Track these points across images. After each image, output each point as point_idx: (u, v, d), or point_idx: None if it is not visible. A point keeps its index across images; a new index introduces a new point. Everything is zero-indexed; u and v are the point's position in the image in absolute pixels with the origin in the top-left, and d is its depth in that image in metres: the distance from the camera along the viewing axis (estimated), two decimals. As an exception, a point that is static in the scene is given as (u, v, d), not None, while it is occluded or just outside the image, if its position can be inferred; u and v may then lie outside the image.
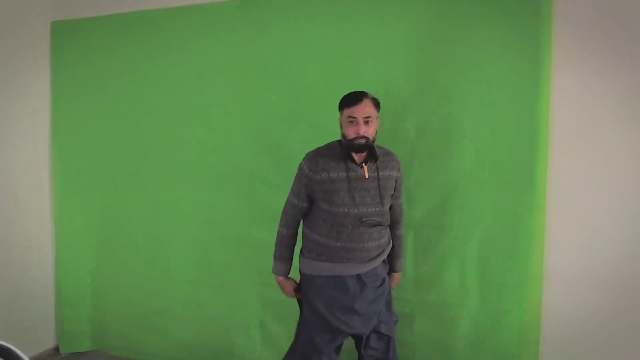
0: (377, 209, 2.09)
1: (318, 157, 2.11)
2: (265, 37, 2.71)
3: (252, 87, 2.74)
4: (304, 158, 2.14)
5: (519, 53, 2.27)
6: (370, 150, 2.07)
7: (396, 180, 2.17)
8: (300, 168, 2.14)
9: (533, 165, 2.27)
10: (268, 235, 2.73)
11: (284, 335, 2.77)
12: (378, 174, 2.09)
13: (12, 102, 2.96)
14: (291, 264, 2.23)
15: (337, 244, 2.09)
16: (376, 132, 2.07)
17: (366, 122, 2.02)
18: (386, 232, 2.18)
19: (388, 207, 2.16)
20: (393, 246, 2.28)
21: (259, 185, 2.76)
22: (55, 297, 3.28)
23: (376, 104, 2.07)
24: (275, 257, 2.24)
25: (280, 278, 2.24)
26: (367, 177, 2.08)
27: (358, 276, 2.13)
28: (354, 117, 2.01)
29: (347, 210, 2.06)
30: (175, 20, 2.90)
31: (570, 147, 2.28)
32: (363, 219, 2.07)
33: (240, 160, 2.80)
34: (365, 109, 2.02)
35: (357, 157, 2.08)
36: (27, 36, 3.05)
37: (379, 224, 2.10)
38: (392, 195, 2.18)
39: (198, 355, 2.96)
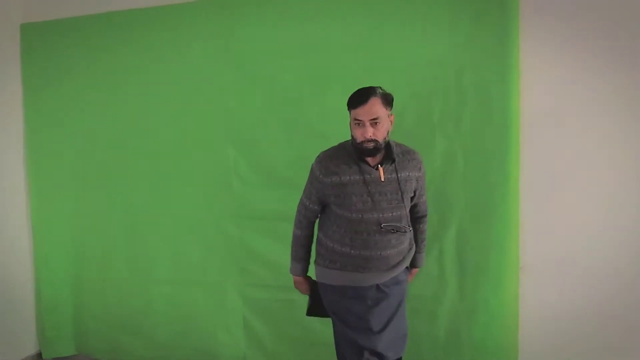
0: (395, 213, 1.94)
1: (329, 159, 1.98)
2: (239, 36, 2.69)
3: (226, 86, 2.73)
4: (316, 159, 2.02)
5: (487, 42, 2.28)
6: (387, 151, 1.94)
7: (417, 180, 2.02)
8: (312, 170, 2.03)
9: (505, 156, 2.29)
10: (247, 233, 2.76)
11: (269, 333, 2.79)
12: (397, 175, 1.94)
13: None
14: (308, 263, 2.16)
15: (352, 251, 1.96)
16: (388, 132, 1.91)
17: (374, 124, 1.85)
18: (406, 238, 2.02)
19: (408, 210, 2.01)
20: (415, 241, 2.16)
21: (236, 184, 2.75)
22: (35, 302, 3.25)
23: (387, 100, 1.89)
24: (291, 257, 2.16)
25: (298, 278, 2.17)
26: (383, 179, 1.92)
27: (377, 286, 2.00)
28: (359, 120, 1.86)
29: (360, 215, 1.92)
30: (147, 20, 2.86)
31: (543, 137, 2.30)
32: (382, 225, 1.93)
33: (216, 159, 2.78)
34: (372, 109, 1.84)
35: (371, 158, 1.93)
36: (-4, 39, 3.01)
37: (398, 230, 1.95)
38: (412, 197, 2.04)
39: (182, 355, 2.96)
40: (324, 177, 1.96)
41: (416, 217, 2.16)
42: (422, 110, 2.41)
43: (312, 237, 2.15)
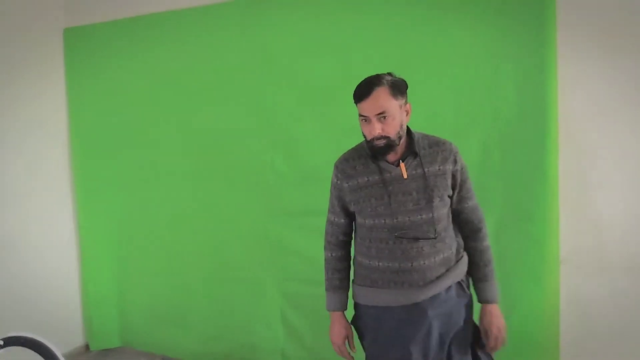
0: (422, 216, 1.65)
1: (345, 161, 1.75)
2: (272, 33, 2.72)
3: (262, 83, 2.77)
4: (334, 165, 1.80)
5: (525, 34, 2.23)
6: (410, 144, 1.68)
7: (453, 175, 1.70)
8: (331, 178, 1.80)
9: (544, 148, 2.24)
10: (285, 229, 2.79)
11: (307, 327, 2.81)
12: (424, 170, 1.66)
13: (28, 111, 3.04)
14: (345, 295, 1.81)
15: (380, 264, 1.69)
16: (402, 124, 1.63)
17: (382, 119, 1.58)
18: (446, 246, 1.70)
19: (442, 212, 1.68)
20: (474, 264, 1.78)
21: (273, 180, 2.80)
22: (82, 296, 3.38)
23: (398, 89, 1.61)
24: (325, 288, 1.82)
25: (333, 314, 1.80)
26: (405, 176, 1.65)
27: (415, 305, 1.67)
28: (364, 115, 1.61)
29: (383, 220, 1.66)
30: (185, 21, 2.93)
31: (583, 129, 2.25)
32: (396, 233, 1.65)
33: (253, 157, 2.83)
34: (377, 103, 1.57)
35: (391, 154, 1.66)
36: (40, 44, 3.13)
37: (424, 237, 1.65)
38: (452, 197, 1.72)
39: (221, 348, 3.03)
40: (342, 183, 1.74)
41: (468, 232, 1.79)
42: (459, 103, 2.38)
43: (348, 260, 1.84)
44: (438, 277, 1.68)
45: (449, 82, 2.39)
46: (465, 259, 1.78)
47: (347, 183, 1.73)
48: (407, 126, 1.71)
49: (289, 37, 2.69)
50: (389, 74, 1.65)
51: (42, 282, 3.10)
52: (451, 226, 1.76)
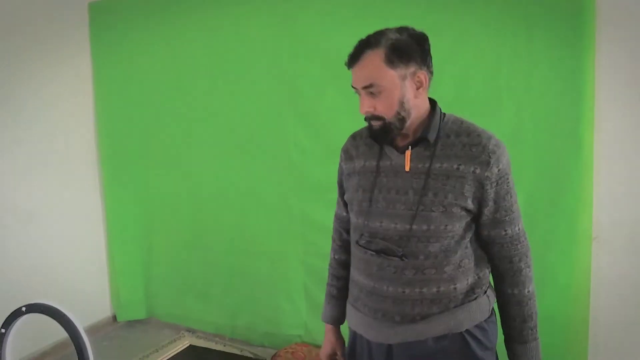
0: (413, 226, 1.22)
1: (352, 139, 1.42)
2: (297, 6, 2.66)
3: (285, 58, 2.72)
4: None
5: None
6: (427, 127, 1.25)
7: (481, 184, 1.21)
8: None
9: (578, 122, 2.13)
10: (307, 204, 2.77)
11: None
12: (431, 164, 1.22)
13: (54, 85, 3.05)
14: (340, 308, 1.50)
15: (359, 278, 1.33)
16: (403, 101, 1.21)
17: (372, 93, 1.21)
18: (445, 277, 1.24)
19: (448, 229, 1.22)
20: (507, 317, 1.34)
21: (295, 155, 2.76)
22: (109, 269, 3.44)
23: (400, 53, 1.18)
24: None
25: (326, 326, 1.53)
26: (408, 168, 1.25)
27: (388, 348, 1.28)
28: (354, 87, 1.25)
29: (365, 222, 1.29)
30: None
31: (619, 101, 2.13)
32: (361, 242, 1.30)
33: (276, 132, 2.80)
34: (363, 72, 1.20)
35: (400, 138, 1.28)
36: (66, 19, 3.12)
37: (400, 256, 1.23)
38: (478, 215, 1.25)
39: (246, 322, 3.06)
40: (342, 165, 1.42)
41: (502, 271, 1.31)
42: (488, 73, 2.28)
43: (346, 266, 1.48)
44: (423, 318, 1.24)
45: (477, 49, 2.29)
46: (482, 302, 1.29)
47: (346, 165, 1.40)
48: (433, 102, 1.31)
49: (313, 10, 2.63)
50: (402, 29, 1.22)
51: (70, 254, 3.16)
52: (470, 253, 1.28)
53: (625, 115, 2.14)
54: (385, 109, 1.21)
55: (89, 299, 3.29)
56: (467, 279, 1.27)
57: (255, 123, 2.87)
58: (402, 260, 1.23)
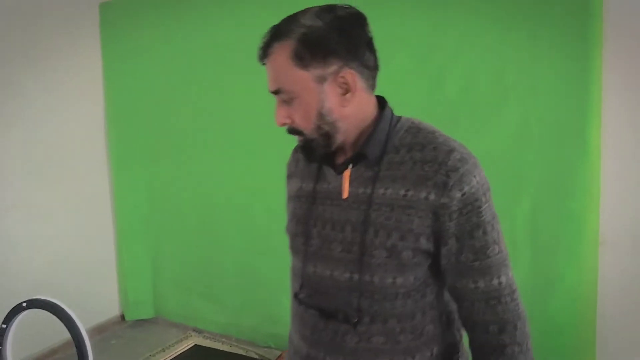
0: (352, 275, 0.91)
1: (294, 151, 1.18)
2: (302, 3, 2.66)
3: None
4: None
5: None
6: (368, 140, 0.93)
7: (437, 215, 0.88)
8: None
9: (585, 124, 2.10)
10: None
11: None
12: (373, 191, 0.91)
13: (65, 85, 3.09)
14: None
15: (295, 338, 1.05)
16: (322, 111, 0.91)
17: (284, 100, 0.94)
18: (400, 348, 0.93)
19: (399, 280, 0.90)
20: None
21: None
22: (117, 269, 3.47)
23: (313, 48, 0.88)
24: None
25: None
26: (345, 195, 0.95)
27: None
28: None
29: (300, 263, 1.01)
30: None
31: (627, 104, 2.10)
32: (301, 295, 1.00)
33: (284, 130, 2.80)
34: (270, 71, 0.94)
35: (340, 155, 0.98)
36: (76, 19, 3.16)
37: (336, 316, 0.93)
38: (440, 258, 0.91)
39: (250, 321, 3.06)
40: (286, 183, 1.15)
41: (479, 342, 0.93)
42: (494, 73, 2.25)
43: None
44: None
45: (481, 49, 2.26)
46: None
47: (287, 185, 1.13)
48: (383, 102, 0.98)
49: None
50: (325, 9, 0.91)
51: (79, 254, 3.19)
52: (436, 315, 0.96)
53: (633, 117, 2.11)
54: (302, 122, 0.93)
55: (97, 298, 3.31)
56: (432, 350, 0.95)
57: (263, 121, 2.86)
58: (342, 322, 0.92)
